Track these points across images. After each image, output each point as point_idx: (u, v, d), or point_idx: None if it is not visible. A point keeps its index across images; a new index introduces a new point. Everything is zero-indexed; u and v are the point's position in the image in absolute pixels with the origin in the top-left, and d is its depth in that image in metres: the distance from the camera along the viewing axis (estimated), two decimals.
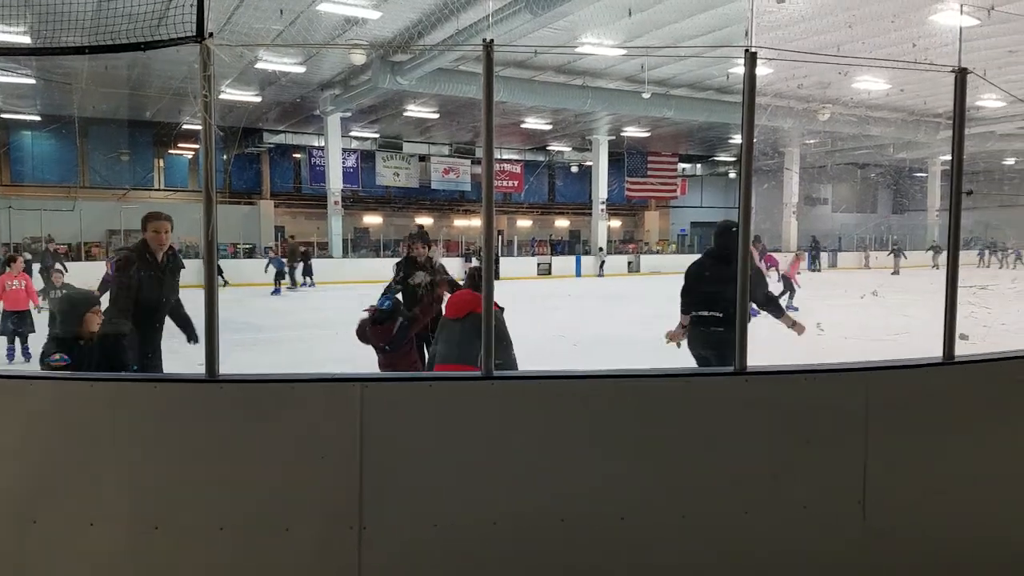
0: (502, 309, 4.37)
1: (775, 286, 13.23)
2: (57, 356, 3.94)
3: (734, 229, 4.67)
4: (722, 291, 4.59)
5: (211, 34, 3.02)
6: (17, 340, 9.61)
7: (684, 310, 5.29)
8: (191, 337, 5.22)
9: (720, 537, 3.16)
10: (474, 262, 27.00)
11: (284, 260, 22.75)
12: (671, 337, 5.39)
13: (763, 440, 3.18)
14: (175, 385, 3.10)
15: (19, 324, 9.58)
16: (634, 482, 3.10)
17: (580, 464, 3.09)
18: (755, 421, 3.19)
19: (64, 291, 9.88)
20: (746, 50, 3.21)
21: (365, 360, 9.44)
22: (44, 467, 3.02)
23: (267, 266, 21.90)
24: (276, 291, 21.12)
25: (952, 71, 3.50)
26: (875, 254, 34.27)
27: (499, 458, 3.05)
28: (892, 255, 31.02)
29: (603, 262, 30.43)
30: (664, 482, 3.11)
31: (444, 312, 4.70)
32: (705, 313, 5.06)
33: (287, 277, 22.15)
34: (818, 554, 3.24)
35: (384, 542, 2.99)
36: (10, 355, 9.61)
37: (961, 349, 3.50)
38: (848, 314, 12.85)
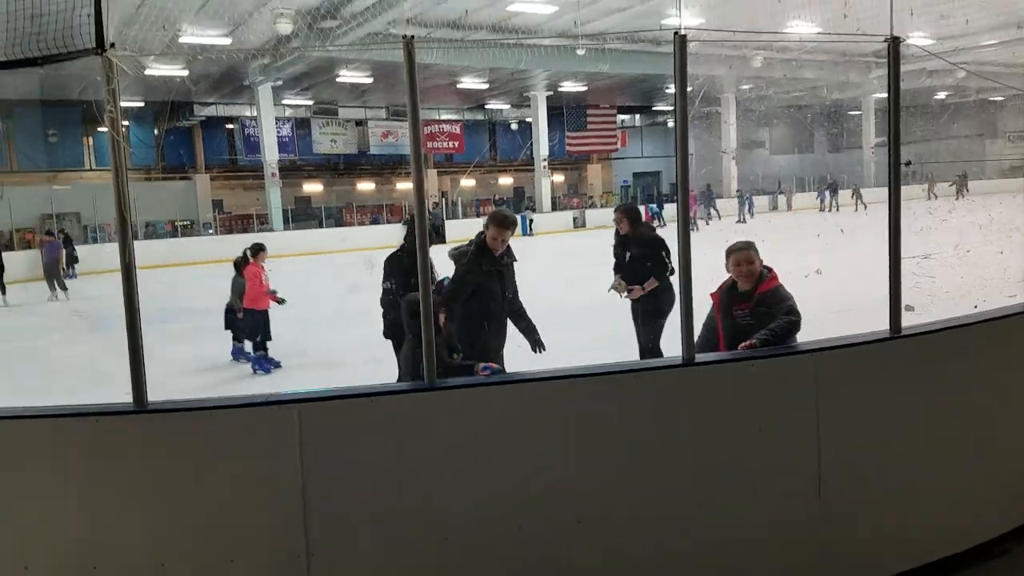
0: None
1: None
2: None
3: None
4: None
5: (112, 44, 2.79)
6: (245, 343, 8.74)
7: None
8: (535, 344, 5.04)
9: (677, 529, 3.14)
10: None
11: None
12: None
13: (716, 429, 3.15)
14: (103, 419, 2.92)
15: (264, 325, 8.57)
16: (588, 482, 3.05)
17: (532, 468, 3.02)
18: (707, 411, 3.15)
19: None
20: (675, 32, 3.10)
21: (311, 344, 9.27)
22: None
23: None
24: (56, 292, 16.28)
25: (884, 40, 3.44)
26: (799, 196, 35.00)
27: (448, 471, 2.96)
28: (828, 191, 32.26)
29: (531, 221, 29.54)
30: (618, 481, 3.07)
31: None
32: None
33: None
34: (776, 536, 3.25)
35: (333, 567, 2.89)
36: (258, 363, 8.57)
37: (908, 320, 3.51)
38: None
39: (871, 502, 3.35)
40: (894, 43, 3.39)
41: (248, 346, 8.90)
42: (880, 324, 3.57)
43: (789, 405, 3.27)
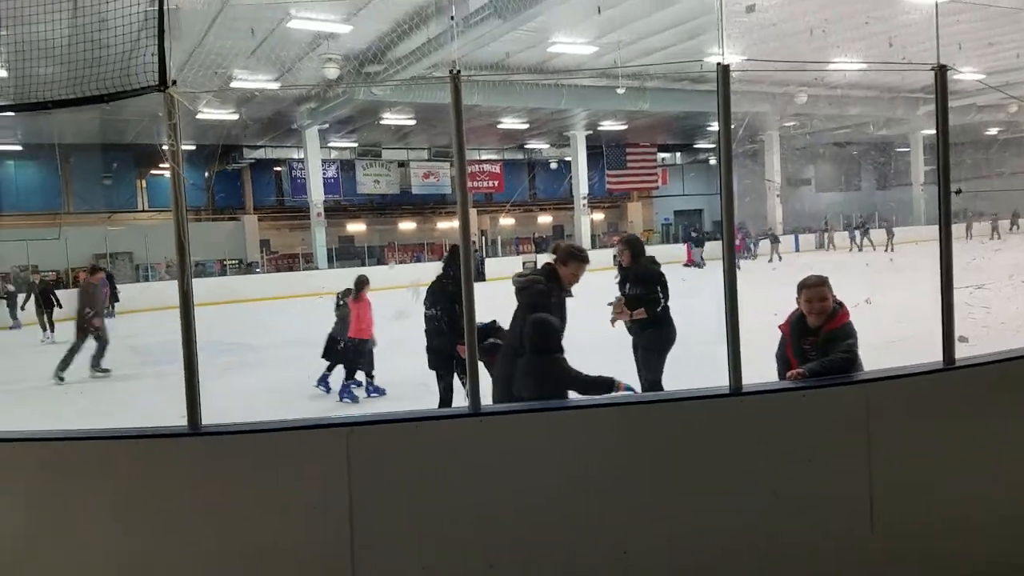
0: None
1: None
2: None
3: None
4: None
5: (175, 82, 2.94)
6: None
7: None
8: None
9: (727, 566, 3.08)
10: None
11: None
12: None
13: (764, 462, 3.10)
14: (157, 441, 3.01)
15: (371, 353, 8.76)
16: (633, 511, 3.02)
17: (578, 499, 3.00)
18: (754, 443, 3.11)
19: None
20: (718, 63, 3.13)
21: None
22: (27, 529, 2.92)
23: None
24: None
25: (931, 68, 3.43)
26: (842, 234, 33.87)
27: (493, 498, 2.96)
28: (859, 231, 31.43)
29: None
30: (663, 510, 3.03)
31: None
32: None
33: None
34: (829, 571, 3.17)
35: None
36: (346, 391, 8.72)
37: (962, 351, 3.43)
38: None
39: (926, 537, 3.25)
40: (941, 71, 3.38)
41: (330, 376, 9.08)
42: (933, 356, 3.50)
43: (841, 437, 3.21)
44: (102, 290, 17.75)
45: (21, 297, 18.80)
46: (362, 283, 8.98)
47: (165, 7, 3.01)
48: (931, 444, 3.27)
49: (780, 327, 4.23)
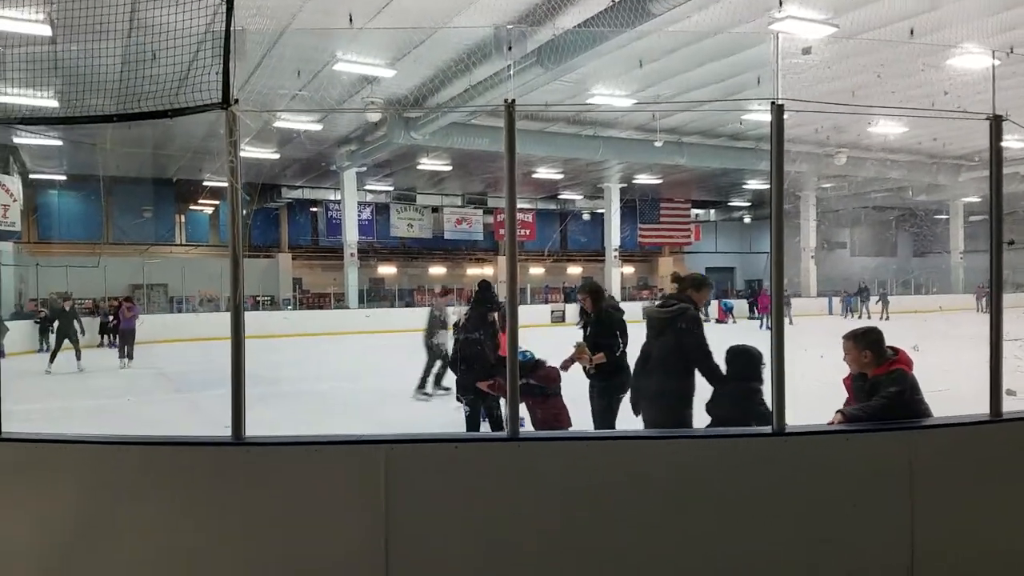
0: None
1: None
2: None
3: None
4: None
5: (236, 100, 3.04)
6: None
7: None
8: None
9: None
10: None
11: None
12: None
13: (806, 504, 3.04)
14: (201, 449, 3.04)
15: None
16: (670, 548, 2.97)
17: (612, 529, 2.96)
18: (797, 484, 3.05)
19: None
20: (772, 102, 3.17)
21: (388, 413, 9.34)
22: (72, 530, 2.95)
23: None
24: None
25: (987, 118, 3.44)
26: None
27: (527, 521, 2.93)
28: (858, 297, 29.79)
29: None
30: (702, 551, 2.97)
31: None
32: None
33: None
34: None
35: None
36: None
37: (1009, 405, 3.36)
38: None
39: None
40: (996, 121, 3.38)
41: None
42: (977, 409, 3.43)
43: (883, 483, 3.14)
44: (135, 317, 18.12)
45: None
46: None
47: (231, 28, 3.13)
48: (977, 495, 3.19)
49: (844, 379, 4.20)
